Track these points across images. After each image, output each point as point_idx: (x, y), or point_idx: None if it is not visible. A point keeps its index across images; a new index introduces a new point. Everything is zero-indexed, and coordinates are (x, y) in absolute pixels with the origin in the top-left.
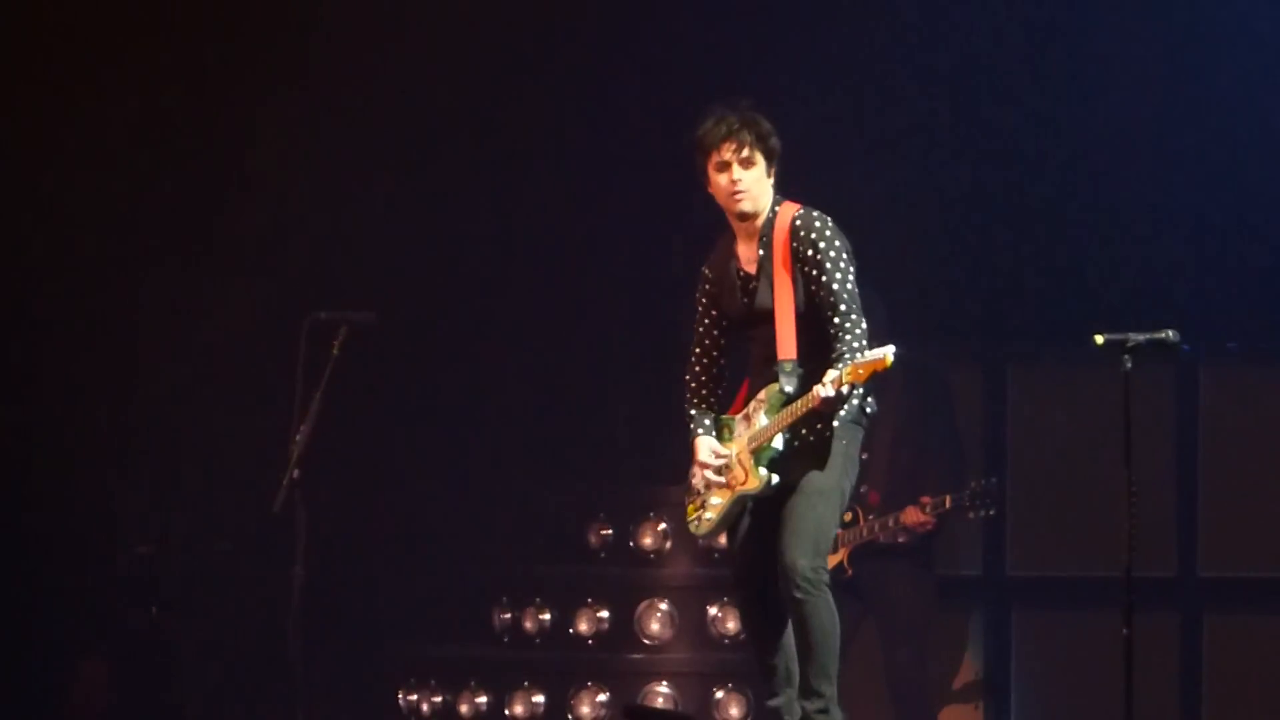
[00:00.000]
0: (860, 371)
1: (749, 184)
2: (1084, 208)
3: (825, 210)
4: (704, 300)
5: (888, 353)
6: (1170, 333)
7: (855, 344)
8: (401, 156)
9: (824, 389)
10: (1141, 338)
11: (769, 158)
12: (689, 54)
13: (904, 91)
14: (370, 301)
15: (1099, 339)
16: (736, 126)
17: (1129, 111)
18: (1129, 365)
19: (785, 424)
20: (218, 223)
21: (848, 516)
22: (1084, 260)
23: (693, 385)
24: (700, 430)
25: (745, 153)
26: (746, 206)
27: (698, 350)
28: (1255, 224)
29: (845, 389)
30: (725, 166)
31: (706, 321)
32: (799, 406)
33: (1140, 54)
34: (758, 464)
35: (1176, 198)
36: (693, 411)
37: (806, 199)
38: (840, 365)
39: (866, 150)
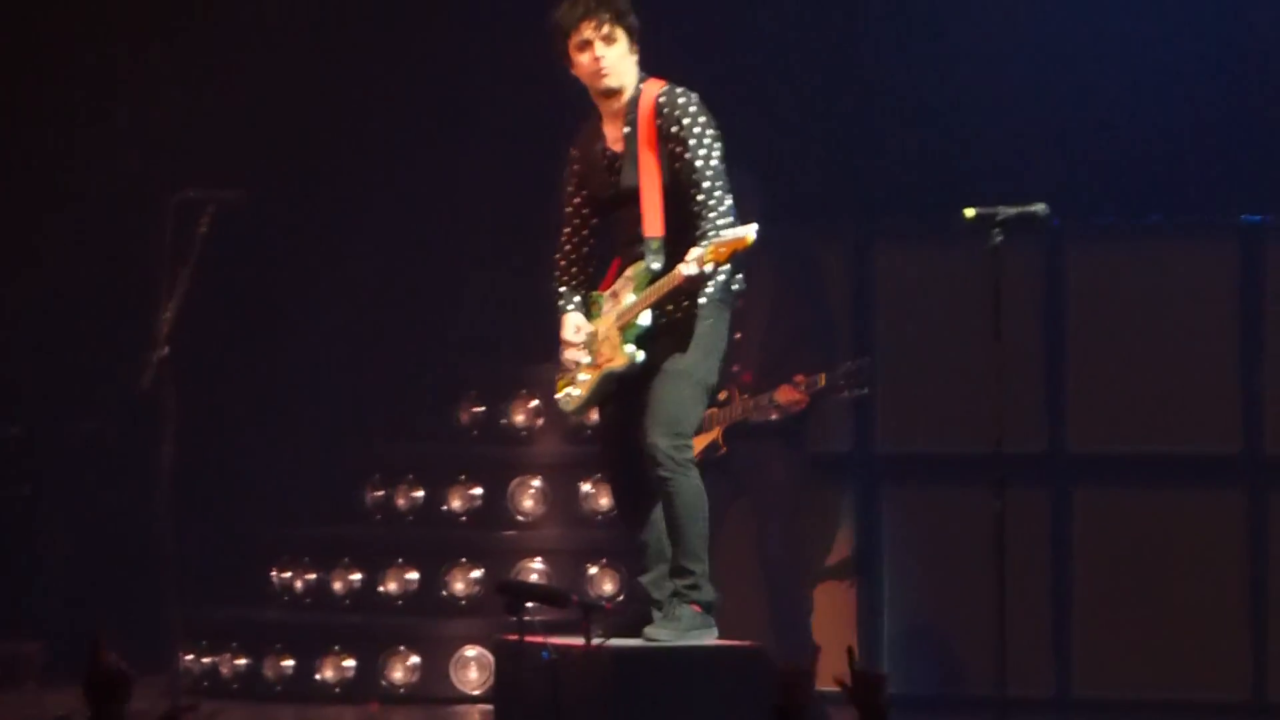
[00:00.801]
0: (722, 250)
1: (612, 61)
2: (952, 82)
3: (693, 88)
4: (572, 181)
5: (749, 231)
6: (1040, 206)
7: (719, 221)
8: (270, 29)
9: (686, 266)
10: (1011, 211)
11: (630, 34)
12: None
13: None
14: (239, 178)
15: (969, 212)
16: (594, 5)
17: None
18: (998, 240)
19: (650, 301)
20: (84, 98)
21: (722, 395)
22: (952, 136)
23: (562, 264)
24: (568, 307)
25: (605, 30)
26: (611, 83)
27: (567, 230)
28: (1121, 95)
29: (708, 267)
30: (586, 45)
31: (576, 201)
32: (664, 283)
33: None
34: (624, 341)
35: (1043, 70)
36: (561, 289)
37: (676, 78)
38: (703, 243)
39: (736, 29)
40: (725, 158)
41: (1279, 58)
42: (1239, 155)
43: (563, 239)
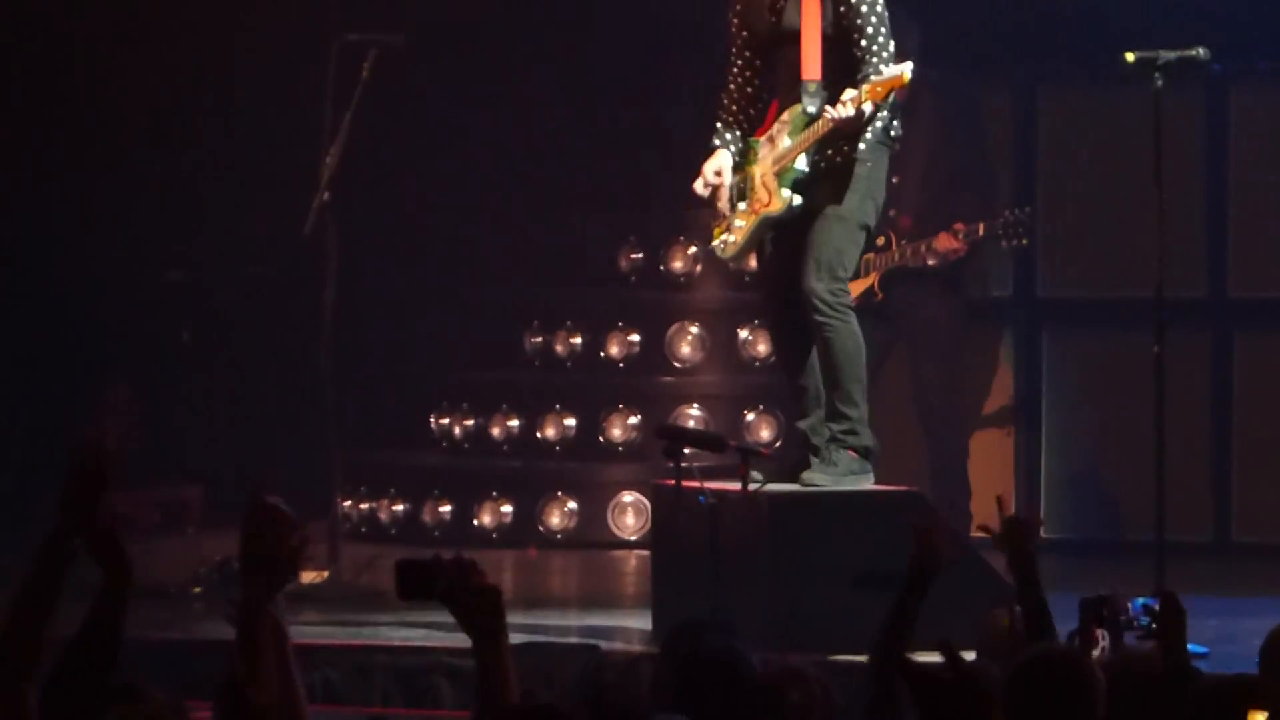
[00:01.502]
0: (879, 89)
1: None
2: None
3: None
4: (734, 21)
5: (905, 70)
6: (1201, 50)
7: (880, 65)
8: None
9: (843, 108)
10: (1171, 55)
11: None
12: None
13: None
14: (400, 24)
15: (1129, 56)
16: None
17: None
18: (1159, 84)
19: (807, 145)
20: None
21: (880, 240)
22: None
23: (724, 102)
24: (718, 142)
25: None
26: None
27: (732, 70)
28: None
29: (866, 107)
30: None
31: (739, 42)
32: (820, 126)
33: None
34: (781, 185)
35: None
36: (718, 125)
37: None
38: (860, 85)
39: None
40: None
41: None
42: None
43: (728, 79)
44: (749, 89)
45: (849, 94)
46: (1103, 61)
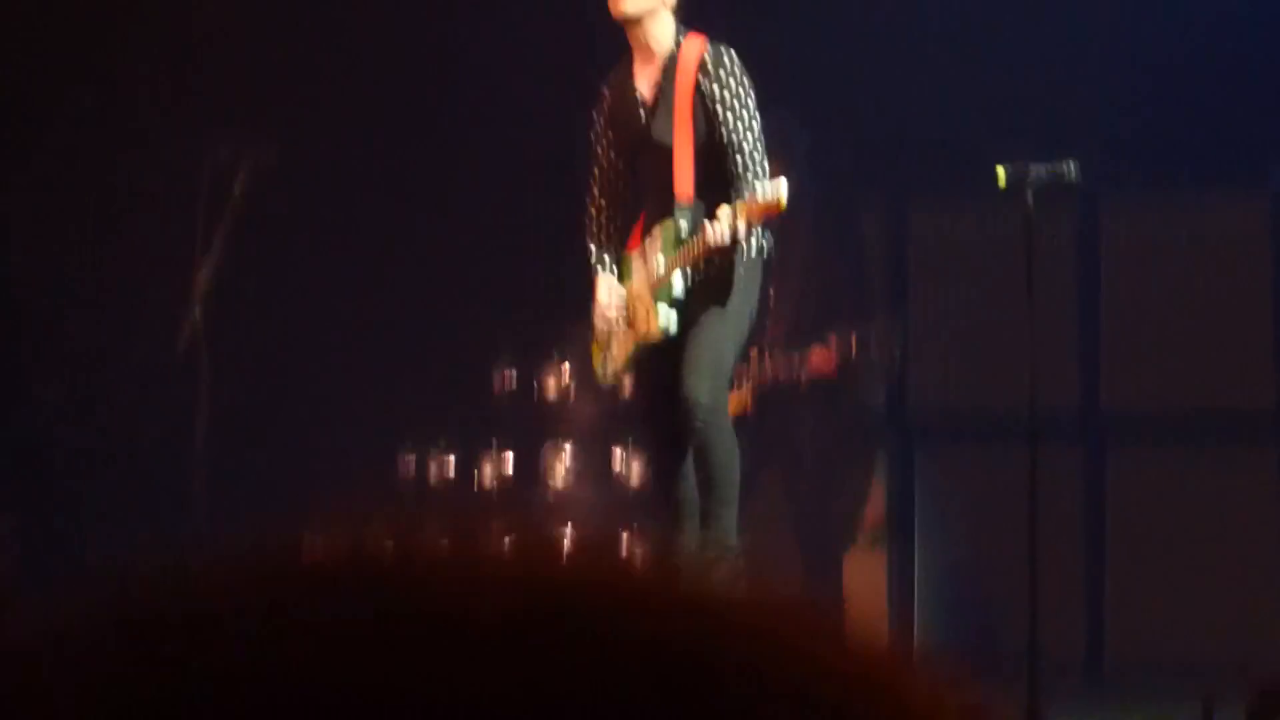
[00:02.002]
0: (754, 210)
1: None
2: (985, 40)
3: (728, 40)
4: (601, 121)
5: (780, 192)
6: (1070, 165)
7: (756, 183)
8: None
9: (716, 226)
10: (1042, 170)
11: None
12: None
13: None
14: (274, 140)
15: (1001, 172)
16: None
17: None
18: (1031, 199)
19: (681, 264)
20: (120, 52)
21: (753, 353)
22: (985, 94)
23: (593, 212)
24: (601, 268)
25: None
26: (627, 6)
27: (596, 172)
28: (1153, 53)
29: (740, 227)
30: None
31: (605, 142)
32: (694, 245)
33: None
34: (657, 304)
35: (1075, 29)
36: (592, 245)
37: (716, 33)
38: (735, 204)
39: None
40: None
41: None
42: (1272, 115)
43: (592, 184)
44: (617, 199)
45: (723, 213)
46: (974, 175)
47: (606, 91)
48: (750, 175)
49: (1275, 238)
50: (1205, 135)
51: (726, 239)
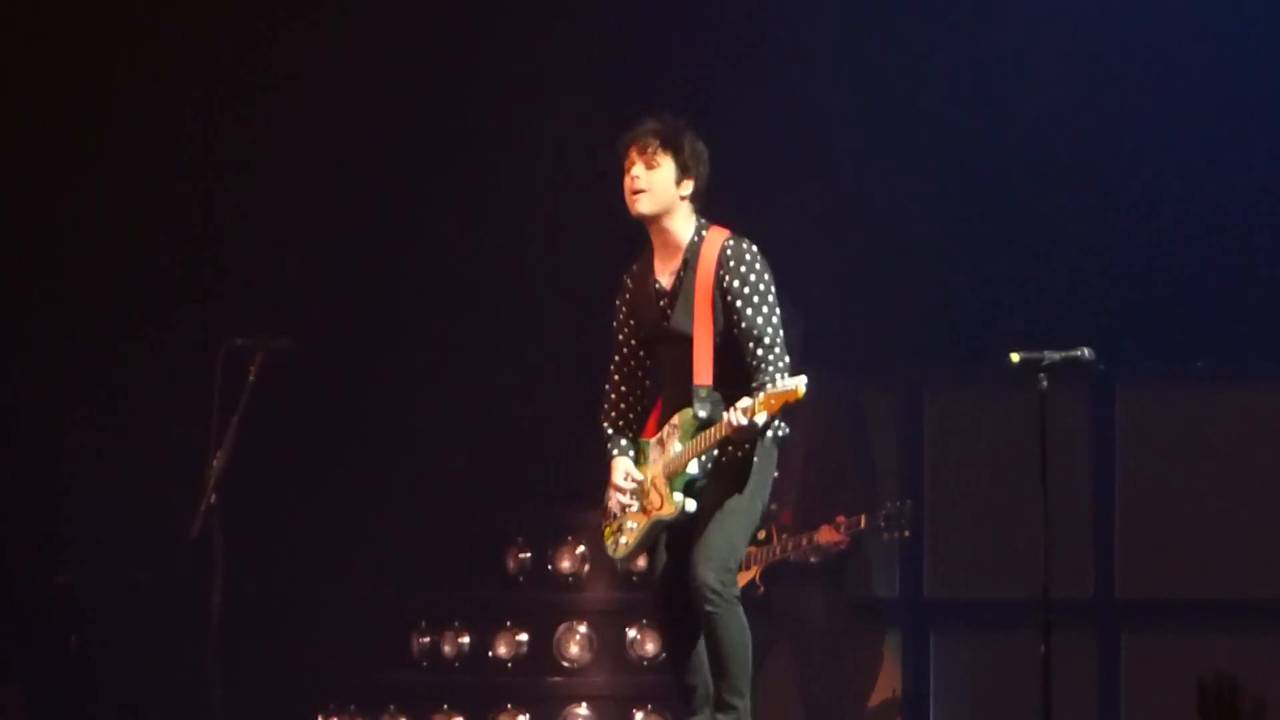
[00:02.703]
0: (773, 402)
1: (648, 183)
2: (995, 229)
3: (742, 228)
4: (623, 310)
5: (799, 384)
6: (1085, 350)
7: (777, 375)
8: (316, 184)
9: (735, 415)
10: (1056, 356)
11: (682, 167)
12: (626, 68)
13: (823, 121)
14: (287, 328)
15: (1014, 357)
16: (644, 129)
17: (1040, 130)
18: (1044, 384)
19: (699, 451)
20: (132, 251)
21: (761, 534)
22: (999, 280)
23: (612, 397)
24: (616, 451)
25: (650, 152)
26: (642, 207)
27: (616, 359)
28: (1168, 239)
29: (760, 418)
30: (630, 166)
31: (625, 331)
32: (713, 434)
33: (1048, 70)
34: (673, 489)
35: (1087, 217)
36: (609, 430)
37: (727, 215)
38: (756, 395)
39: (784, 172)
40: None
41: None
42: None
43: (612, 369)
44: (634, 383)
45: (744, 403)
46: (988, 361)
47: (629, 281)
48: (769, 366)
49: None
50: (1223, 320)
51: (744, 428)
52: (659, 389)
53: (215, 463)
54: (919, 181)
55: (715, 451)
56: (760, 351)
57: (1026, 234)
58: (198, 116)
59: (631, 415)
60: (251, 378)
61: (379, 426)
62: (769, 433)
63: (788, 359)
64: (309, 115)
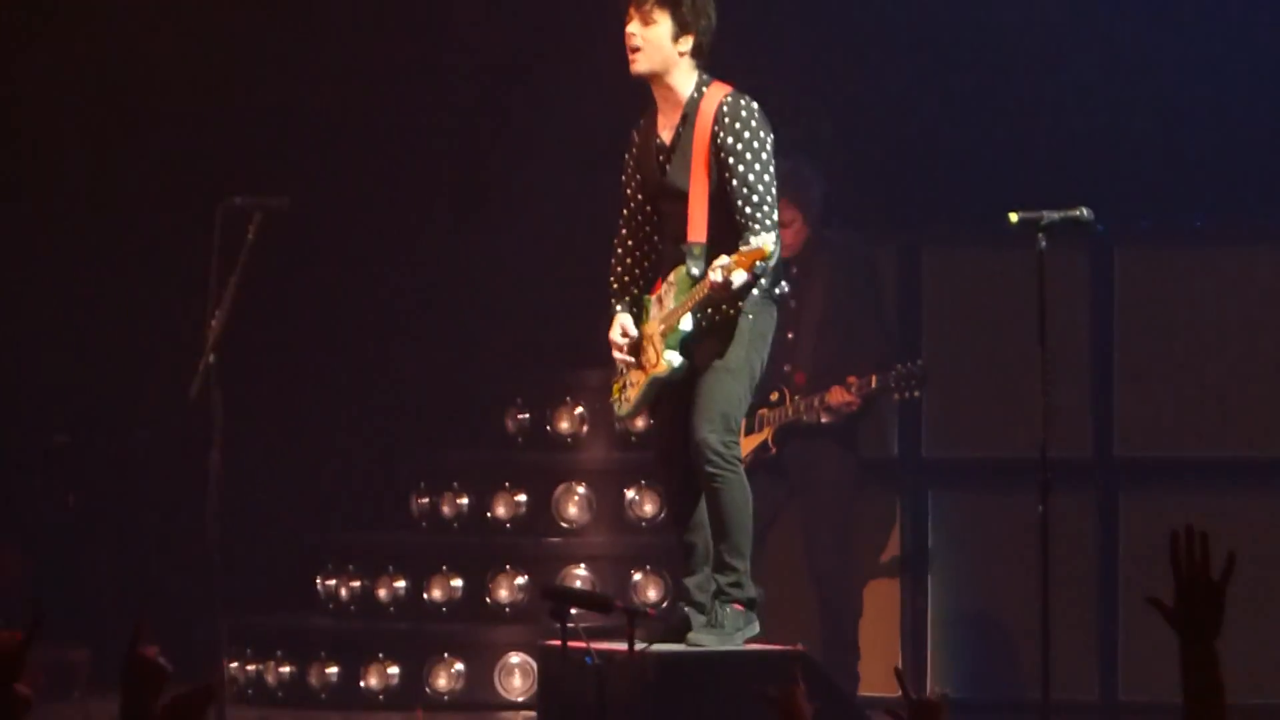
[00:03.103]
0: (744, 260)
1: (642, 41)
2: (998, 86)
3: (747, 86)
4: (630, 165)
5: (765, 242)
6: (1084, 210)
7: (772, 236)
8: (316, 39)
9: (715, 274)
10: (1055, 215)
11: (680, 24)
12: None
13: None
14: (286, 186)
15: (1013, 217)
16: None
17: None
18: (1043, 244)
19: (689, 307)
20: (131, 107)
21: (774, 396)
22: (999, 140)
23: (619, 252)
24: (619, 308)
25: (646, 8)
26: (639, 66)
27: (624, 214)
28: (1167, 98)
29: (735, 277)
30: (628, 23)
31: (631, 187)
32: (699, 290)
33: None
34: (666, 346)
35: (1089, 74)
36: (615, 286)
37: (737, 80)
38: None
39: (786, 32)
40: (776, 171)
41: None
42: None
43: (620, 225)
44: (643, 243)
45: (722, 260)
46: (987, 221)
47: (635, 135)
48: (754, 224)
49: None
50: (1222, 178)
51: (720, 285)
52: (663, 245)
53: (213, 323)
54: (917, 43)
55: (710, 310)
56: (748, 209)
57: (1024, 93)
58: None
59: (638, 271)
60: (250, 237)
61: (377, 287)
62: (758, 290)
63: (775, 217)
64: None
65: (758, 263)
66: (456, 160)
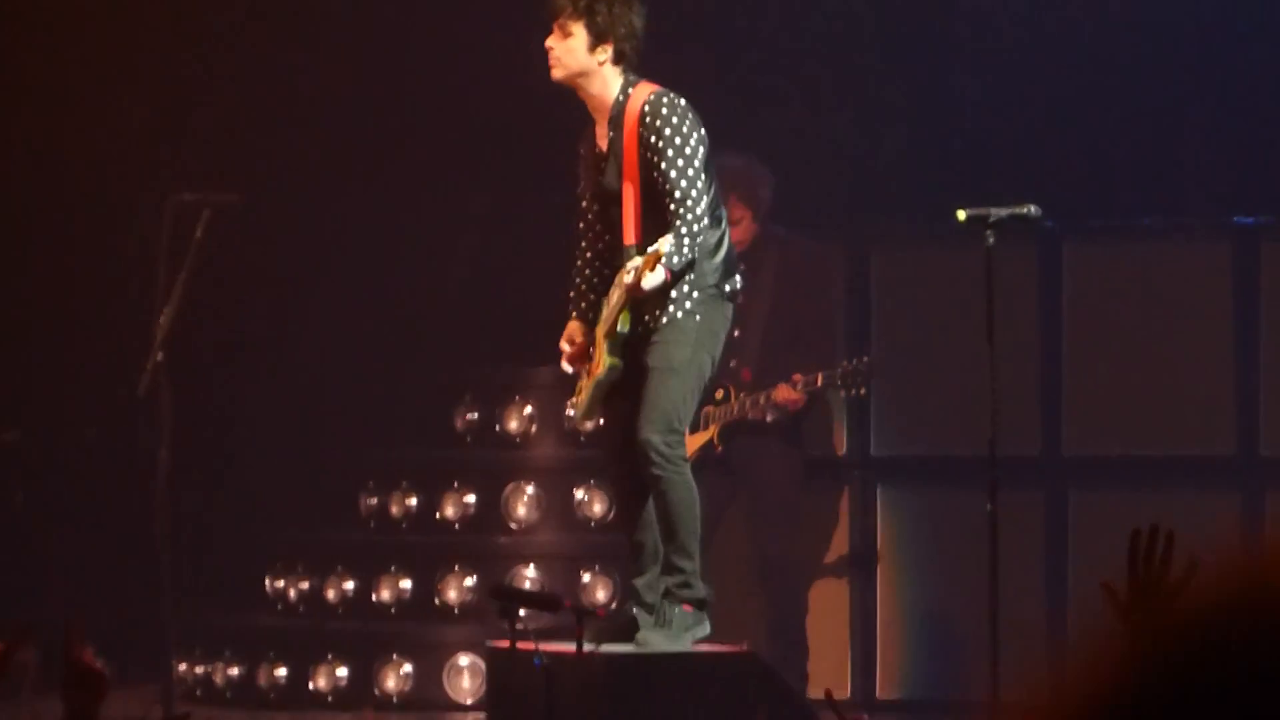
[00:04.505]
0: (648, 261)
1: (559, 53)
2: (946, 83)
3: (689, 88)
4: (580, 175)
5: (660, 244)
6: (1032, 207)
7: (682, 231)
8: (266, 38)
9: (626, 276)
10: (1003, 212)
11: (595, 34)
12: None
13: None
14: (235, 183)
15: (961, 214)
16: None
17: None
18: (991, 241)
19: (618, 310)
20: (80, 104)
21: (719, 394)
22: (947, 137)
23: (578, 263)
24: (573, 312)
25: (561, 20)
26: (556, 73)
27: (581, 226)
28: (1114, 96)
29: (648, 278)
30: (549, 35)
31: (585, 197)
32: (622, 292)
33: None
34: (608, 348)
35: (1036, 71)
36: (571, 294)
37: (672, 78)
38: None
39: (734, 30)
40: (707, 164)
41: (1270, 60)
42: (1231, 156)
43: (578, 234)
44: (599, 245)
45: (634, 262)
46: (935, 219)
47: (580, 148)
48: (679, 222)
49: (1237, 278)
50: (1168, 175)
51: (631, 286)
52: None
53: (162, 320)
54: (868, 35)
55: (645, 311)
56: (674, 207)
57: (972, 90)
58: None
59: (596, 279)
60: (199, 234)
61: (327, 284)
62: (708, 283)
63: (700, 212)
64: None
65: (674, 259)
66: (407, 158)
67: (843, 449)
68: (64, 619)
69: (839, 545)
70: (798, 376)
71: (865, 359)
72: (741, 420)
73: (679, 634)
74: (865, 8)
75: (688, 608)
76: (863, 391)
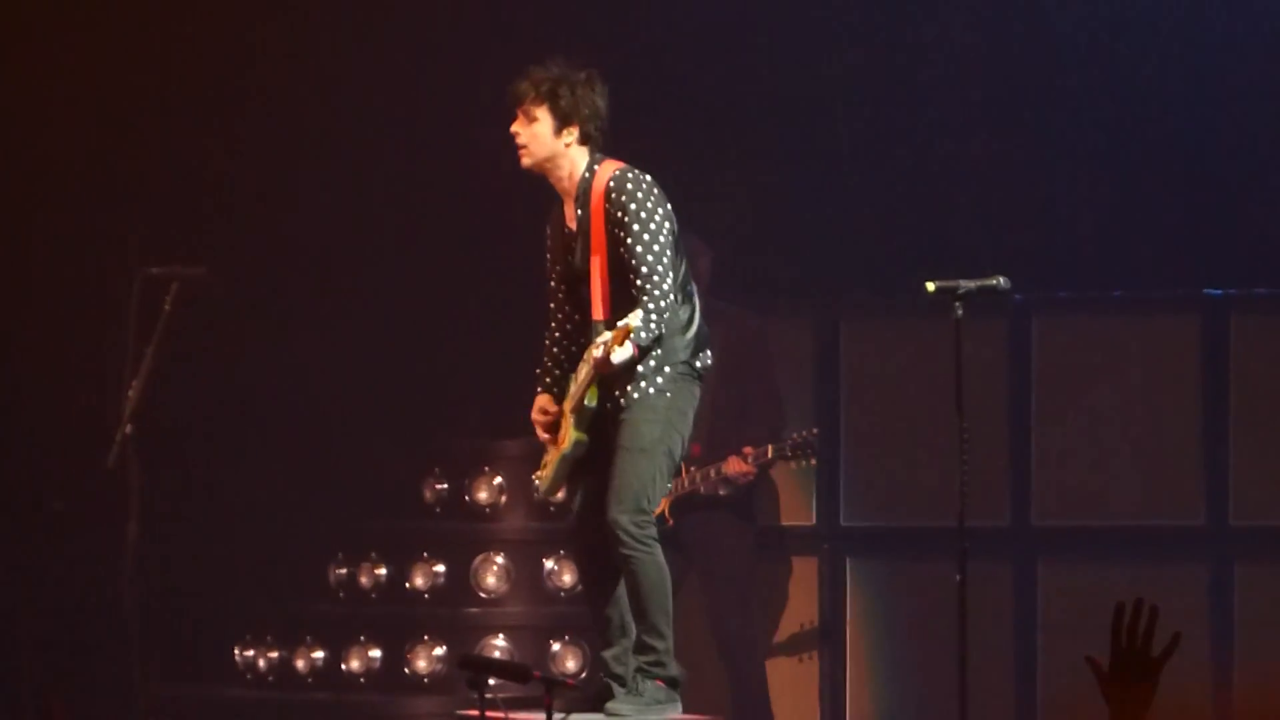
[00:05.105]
0: (619, 335)
1: (526, 139)
2: (915, 156)
3: (658, 164)
4: (549, 256)
5: (631, 319)
6: (1000, 279)
7: (650, 307)
8: (235, 111)
9: (596, 350)
10: (972, 285)
11: (560, 118)
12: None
13: (731, 52)
14: (203, 257)
15: (930, 286)
16: (522, 84)
17: (953, 58)
18: (960, 313)
19: (585, 386)
20: (47, 177)
21: None
22: (915, 210)
23: (547, 342)
24: (540, 387)
25: (525, 106)
26: (526, 161)
27: (551, 305)
28: (1082, 169)
29: (616, 353)
30: (514, 122)
31: (554, 275)
32: (591, 367)
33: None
34: (575, 423)
35: (1004, 144)
36: (538, 371)
37: (639, 153)
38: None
39: (702, 104)
40: (674, 242)
41: (1236, 133)
42: (1200, 228)
43: (549, 314)
44: (568, 324)
45: (603, 337)
46: (904, 291)
47: (549, 230)
48: (645, 298)
49: (1205, 350)
50: (1137, 248)
51: (599, 361)
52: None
53: (130, 393)
54: (830, 107)
55: (615, 388)
56: (639, 282)
57: (940, 163)
58: (117, 44)
59: (563, 357)
60: (167, 307)
61: (296, 356)
62: (678, 361)
63: (666, 288)
64: (228, 45)
65: (642, 334)
66: (371, 232)
67: (813, 519)
68: (43, 690)
69: (809, 617)
70: (748, 449)
71: (814, 430)
72: (693, 494)
73: (650, 704)
74: (833, 79)
75: (660, 684)
76: (813, 462)
